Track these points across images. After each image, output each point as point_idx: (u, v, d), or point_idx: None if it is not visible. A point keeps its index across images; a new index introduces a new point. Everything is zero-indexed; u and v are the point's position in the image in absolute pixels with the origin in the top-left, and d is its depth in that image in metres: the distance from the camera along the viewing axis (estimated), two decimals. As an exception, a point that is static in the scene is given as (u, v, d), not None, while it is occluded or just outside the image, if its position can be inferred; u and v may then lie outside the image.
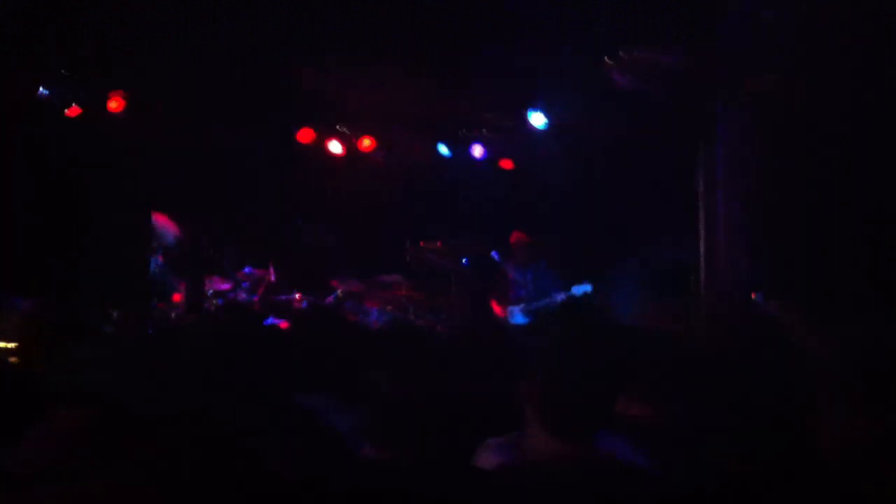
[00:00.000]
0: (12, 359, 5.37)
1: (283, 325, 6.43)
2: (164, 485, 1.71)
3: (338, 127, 9.94)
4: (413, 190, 10.12)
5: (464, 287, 9.42)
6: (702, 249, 7.31)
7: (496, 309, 8.27)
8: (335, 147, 9.99)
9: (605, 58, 7.59)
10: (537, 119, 9.26)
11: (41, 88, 8.01)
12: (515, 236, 8.47)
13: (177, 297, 7.68)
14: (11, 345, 6.04)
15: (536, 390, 2.43)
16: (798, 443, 2.06)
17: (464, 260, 9.53)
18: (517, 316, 8.12)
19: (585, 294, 7.96)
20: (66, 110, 8.24)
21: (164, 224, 7.72)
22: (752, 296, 6.38)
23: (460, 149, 10.03)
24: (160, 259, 7.63)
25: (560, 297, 8.05)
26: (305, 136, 9.76)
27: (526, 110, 9.23)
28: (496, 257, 8.74)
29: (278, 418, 2.11)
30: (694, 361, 3.09)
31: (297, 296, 8.77)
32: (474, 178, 10.06)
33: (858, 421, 1.90)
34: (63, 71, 8.06)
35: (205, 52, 7.61)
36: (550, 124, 9.16)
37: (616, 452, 2.32)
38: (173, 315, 7.42)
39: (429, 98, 9.00)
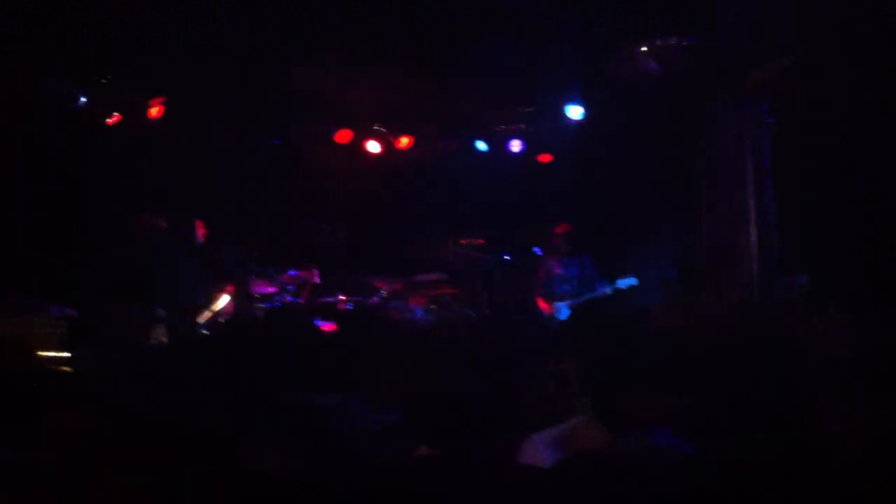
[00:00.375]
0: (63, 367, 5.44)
1: (329, 326, 6.44)
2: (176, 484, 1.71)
3: (375, 127, 9.96)
4: (451, 187, 10.10)
5: (506, 283, 9.38)
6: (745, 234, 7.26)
7: (542, 305, 8.20)
8: (373, 146, 10.00)
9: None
10: (575, 111, 9.21)
11: (81, 98, 8.11)
12: (563, 228, 8.40)
13: (229, 307, 7.70)
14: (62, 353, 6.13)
15: (591, 384, 2.39)
16: (804, 439, 2.02)
17: (505, 256, 9.48)
18: (563, 311, 8.05)
19: (631, 287, 7.90)
20: (107, 119, 8.34)
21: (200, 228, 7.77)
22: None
23: (497, 144, 10.02)
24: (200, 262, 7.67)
25: (606, 289, 7.98)
26: (343, 136, 9.79)
27: (563, 104, 9.20)
28: (538, 252, 8.68)
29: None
30: (722, 354, 3.03)
31: (341, 297, 8.77)
32: (511, 172, 10.02)
33: (861, 419, 1.86)
34: (101, 79, 8.17)
35: (246, 61, 7.69)
36: (587, 115, 9.13)
37: (668, 443, 2.27)
38: (222, 320, 7.44)
39: (465, 94, 9.00)
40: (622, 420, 2.35)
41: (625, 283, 7.91)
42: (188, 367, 3.23)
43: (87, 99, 8.22)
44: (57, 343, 6.18)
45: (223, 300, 7.62)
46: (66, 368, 5.34)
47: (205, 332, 7.28)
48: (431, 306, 8.87)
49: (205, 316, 7.47)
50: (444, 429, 2.74)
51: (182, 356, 3.68)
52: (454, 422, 2.87)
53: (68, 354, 6.12)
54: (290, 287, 8.63)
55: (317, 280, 8.91)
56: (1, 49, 6.82)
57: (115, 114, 8.44)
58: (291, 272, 8.78)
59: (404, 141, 10.07)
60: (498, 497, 2.12)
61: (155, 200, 7.94)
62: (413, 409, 2.87)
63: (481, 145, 10.10)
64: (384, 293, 8.94)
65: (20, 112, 7.53)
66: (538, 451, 2.48)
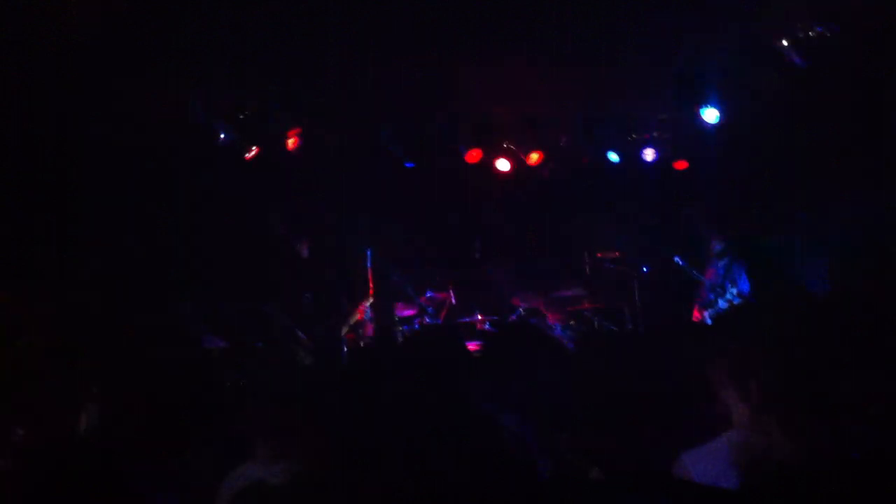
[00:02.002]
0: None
1: (472, 346, 6.39)
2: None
3: (505, 145, 9.92)
4: (585, 200, 9.96)
5: (647, 294, 9.14)
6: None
7: (696, 315, 7.93)
8: (503, 165, 9.96)
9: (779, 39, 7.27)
10: (710, 115, 8.92)
11: (222, 134, 8.39)
12: (702, 234, 8.14)
13: (369, 329, 7.82)
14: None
15: (761, 391, 2.22)
16: None
17: (644, 268, 9.24)
18: (707, 319, 7.76)
19: (777, 289, 7.53)
20: (246, 154, 8.60)
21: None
22: None
23: (630, 153, 9.82)
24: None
25: (748, 291, 7.64)
26: (473, 157, 9.78)
27: (698, 107, 8.92)
28: (679, 262, 8.40)
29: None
30: None
31: (479, 317, 8.74)
32: (645, 182, 9.79)
33: None
34: (241, 114, 8.43)
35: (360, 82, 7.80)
36: (722, 119, 8.83)
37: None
38: (362, 343, 7.53)
39: (594, 102, 8.86)
40: (813, 427, 2.16)
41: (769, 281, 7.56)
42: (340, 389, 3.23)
43: (227, 134, 8.50)
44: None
45: (360, 316, 7.74)
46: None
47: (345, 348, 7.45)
48: (571, 322, 8.73)
49: (347, 338, 7.59)
50: (609, 450, 2.63)
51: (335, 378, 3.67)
52: (620, 441, 2.76)
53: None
54: (429, 309, 8.66)
55: (454, 301, 8.91)
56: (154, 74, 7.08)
57: (253, 147, 8.67)
58: (429, 293, 8.81)
59: (534, 157, 9.99)
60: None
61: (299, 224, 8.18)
62: (577, 427, 2.77)
63: (613, 156, 9.92)
64: (522, 311, 8.86)
65: (167, 140, 7.85)
66: (699, 466, 2.35)
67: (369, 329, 8.08)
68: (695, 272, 8.13)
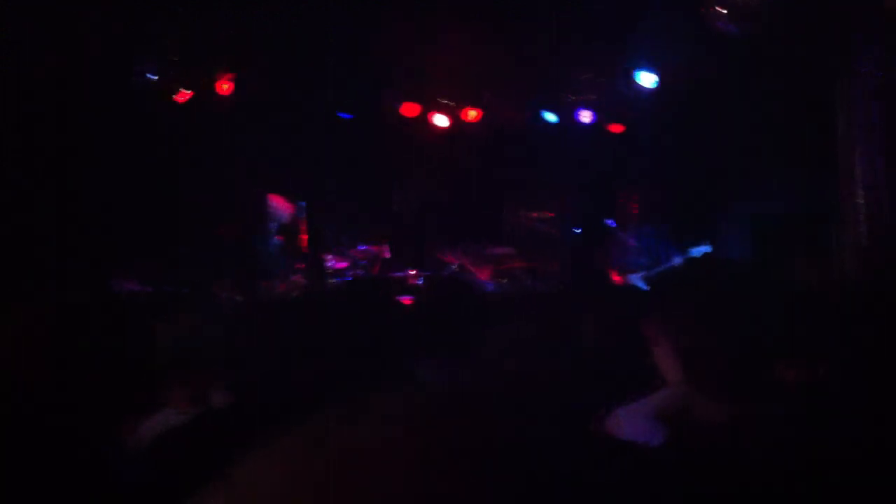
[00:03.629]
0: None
1: (404, 300, 6.39)
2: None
3: (441, 100, 9.86)
4: (520, 160, 9.98)
5: (576, 255, 9.26)
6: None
7: (615, 278, 8.06)
8: (441, 120, 9.91)
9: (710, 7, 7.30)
10: (646, 79, 8.98)
11: (147, 74, 8.15)
12: (636, 198, 8.24)
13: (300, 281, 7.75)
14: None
15: (687, 352, 2.27)
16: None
17: (576, 228, 9.35)
18: (637, 283, 7.90)
19: (705, 255, 7.67)
20: (174, 95, 8.37)
21: (279, 204, 7.78)
22: None
23: (566, 114, 9.84)
24: (278, 239, 7.69)
25: (678, 259, 7.79)
26: (411, 110, 9.71)
27: (632, 71, 8.97)
28: (611, 224, 8.52)
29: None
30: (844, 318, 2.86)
31: (411, 272, 8.75)
32: (581, 142, 9.85)
33: None
34: (169, 55, 8.19)
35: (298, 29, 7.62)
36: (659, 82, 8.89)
37: (784, 416, 2.15)
38: (295, 293, 7.48)
39: (528, 62, 8.84)
40: (732, 390, 2.21)
41: (698, 251, 7.70)
42: (270, 330, 3.20)
43: (158, 77, 8.26)
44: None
45: (296, 274, 7.67)
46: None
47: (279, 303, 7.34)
48: (502, 280, 8.79)
49: (279, 289, 7.52)
50: (536, 405, 2.65)
51: (265, 320, 3.63)
52: (544, 397, 2.79)
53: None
54: (361, 262, 8.64)
55: (387, 255, 8.90)
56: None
57: (185, 91, 8.45)
58: (362, 247, 8.78)
59: (472, 114, 9.96)
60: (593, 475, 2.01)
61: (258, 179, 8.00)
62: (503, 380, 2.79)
63: (550, 117, 9.94)
64: (455, 267, 8.89)
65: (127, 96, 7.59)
66: (629, 426, 2.39)
67: (300, 281, 8.03)
68: (623, 234, 8.25)
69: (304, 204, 8.25)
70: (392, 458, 1.08)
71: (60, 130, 7.31)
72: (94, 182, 7.61)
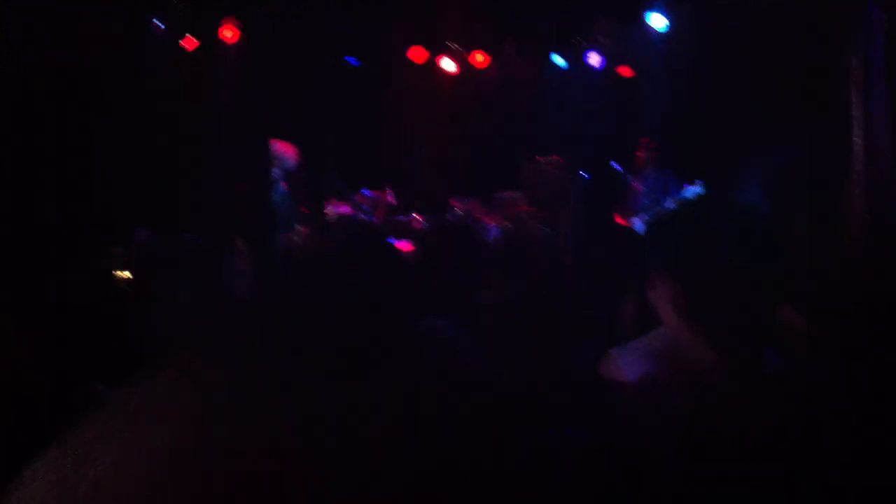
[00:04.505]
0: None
1: (406, 246, 6.41)
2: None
3: (449, 44, 9.77)
4: (527, 104, 9.90)
5: (584, 200, 9.22)
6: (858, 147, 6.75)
7: (620, 221, 8.03)
8: (448, 65, 9.83)
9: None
10: (657, 21, 8.86)
11: (155, 20, 8.09)
12: (644, 142, 8.15)
13: (305, 228, 7.73)
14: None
15: (682, 296, 2.27)
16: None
17: (582, 173, 9.28)
18: (638, 226, 7.88)
19: (698, 196, 7.55)
20: (180, 41, 8.31)
21: (283, 150, 7.74)
22: None
23: (575, 58, 9.74)
24: (284, 186, 7.67)
25: (674, 201, 7.70)
26: (418, 55, 9.63)
27: (643, 12, 8.84)
28: (617, 168, 8.45)
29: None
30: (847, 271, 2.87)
31: (415, 216, 8.73)
32: (590, 87, 9.75)
33: None
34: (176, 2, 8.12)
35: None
36: (670, 26, 8.77)
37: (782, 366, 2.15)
38: (298, 240, 7.48)
39: (537, 6, 8.72)
40: (729, 337, 2.22)
41: (691, 191, 7.60)
42: (273, 290, 3.22)
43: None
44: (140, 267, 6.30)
45: (303, 221, 7.67)
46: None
47: (285, 254, 7.35)
48: (507, 224, 8.77)
49: (286, 238, 7.53)
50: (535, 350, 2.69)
51: (268, 278, 3.67)
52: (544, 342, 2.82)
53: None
54: (364, 207, 8.63)
55: (391, 199, 8.88)
56: None
57: (190, 37, 8.39)
58: (365, 192, 8.77)
59: (479, 58, 9.87)
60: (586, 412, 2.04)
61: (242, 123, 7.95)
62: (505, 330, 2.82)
63: (559, 60, 9.84)
64: (459, 212, 8.87)
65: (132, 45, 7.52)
66: (623, 366, 2.41)
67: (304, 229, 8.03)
68: (630, 178, 8.20)
69: (308, 149, 8.21)
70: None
71: (71, 79, 7.29)
72: (104, 133, 7.59)
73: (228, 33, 8.36)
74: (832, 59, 6.99)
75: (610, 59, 9.70)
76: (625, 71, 9.81)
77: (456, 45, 9.82)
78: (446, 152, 9.82)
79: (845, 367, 2.21)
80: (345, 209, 8.55)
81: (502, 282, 3.30)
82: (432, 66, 9.82)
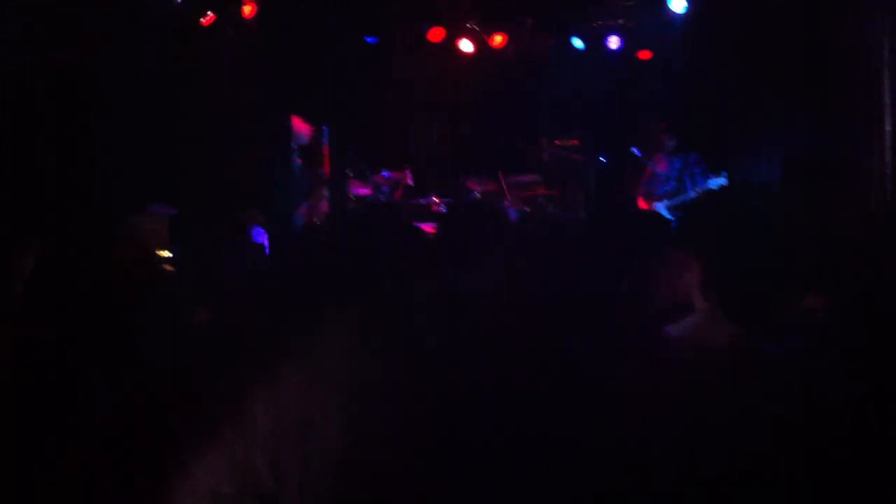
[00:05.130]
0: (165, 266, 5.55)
1: (426, 227, 6.39)
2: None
3: (468, 25, 9.71)
4: (546, 86, 9.84)
5: (602, 183, 9.19)
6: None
7: (642, 205, 7.99)
8: (466, 46, 9.77)
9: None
10: (678, 3, 8.78)
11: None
12: (665, 125, 8.10)
13: (323, 206, 7.72)
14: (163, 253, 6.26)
15: (719, 278, 2.27)
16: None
17: (601, 157, 9.24)
18: (662, 210, 7.84)
19: (721, 187, 7.55)
20: (201, 19, 8.27)
21: (298, 126, 7.72)
22: None
23: (594, 41, 9.67)
24: (298, 161, 7.65)
25: (701, 188, 7.67)
26: (436, 35, 9.58)
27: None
28: (636, 152, 8.40)
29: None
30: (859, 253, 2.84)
31: (434, 199, 8.72)
32: (610, 71, 9.68)
33: None
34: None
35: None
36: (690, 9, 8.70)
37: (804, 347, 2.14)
38: (316, 220, 7.49)
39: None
40: (754, 318, 2.21)
41: (715, 182, 7.59)
42: (292, 266, 3.21)
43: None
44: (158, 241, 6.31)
45: (319, 199, 7.65)
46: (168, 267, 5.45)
47: (301, 232, 7.33)
48: (525, 207, 8.76)
49: (300, 214, 7.52)
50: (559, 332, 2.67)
51: (286, 255, 3.65)
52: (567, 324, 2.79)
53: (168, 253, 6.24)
54: (384, 188, 8.62)
55: (410, 181, 8.87)
56: None
57: (209, 13, 8.34)
58: (385, 173, 8.75)
59: (498, 39, 9.81)
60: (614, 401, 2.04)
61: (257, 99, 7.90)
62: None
63: (578, 42, 9.77)
64: (477, 194, 8.86)
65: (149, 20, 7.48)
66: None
67: (324, 206, 8.03)
68: (650, 163, 8.16)
69: (326, 128, 8.18)
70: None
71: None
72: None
73: (248, 9, 8.32)
74: (858, 44, 6.93)
75: (629, 42, 9.63)
76: (643, 54, 9.74)
77: (474, 26, 9.76)
78: (462, 133, 9.79)
79: (858, 355, 2.20)
80: (364, 190, 8.55)
81: (519, 264, 3.29)
82: (450, 46, 9.77)
